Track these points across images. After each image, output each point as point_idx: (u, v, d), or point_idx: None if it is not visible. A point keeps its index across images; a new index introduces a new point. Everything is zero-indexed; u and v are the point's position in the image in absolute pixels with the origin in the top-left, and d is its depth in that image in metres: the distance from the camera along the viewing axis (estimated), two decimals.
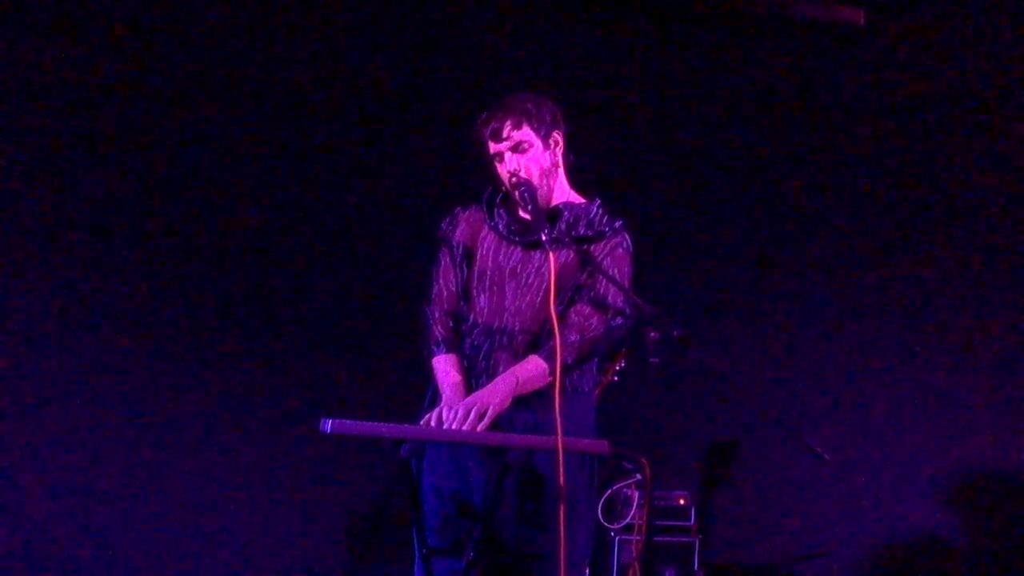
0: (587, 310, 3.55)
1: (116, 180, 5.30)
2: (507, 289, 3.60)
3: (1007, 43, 5.78)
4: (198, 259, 5.36)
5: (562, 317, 3.52)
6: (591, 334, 3.54)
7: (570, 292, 3.58)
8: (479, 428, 3.35)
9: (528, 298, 3.59)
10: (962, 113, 5.82)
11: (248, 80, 5.45)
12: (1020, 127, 5.76)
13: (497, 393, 3.43)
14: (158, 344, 5.29)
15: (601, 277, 3.55)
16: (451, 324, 3.65)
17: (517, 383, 3.46)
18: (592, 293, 3.57)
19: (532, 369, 3.48)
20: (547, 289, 3.52)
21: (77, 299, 5.21)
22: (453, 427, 3.34)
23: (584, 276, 3.59)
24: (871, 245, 5.81)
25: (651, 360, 3.46)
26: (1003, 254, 5.77)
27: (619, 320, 3.57)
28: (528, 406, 3.50)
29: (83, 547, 5.13)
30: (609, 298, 3.56)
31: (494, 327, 3.58)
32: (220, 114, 5.41)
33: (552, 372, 3.45)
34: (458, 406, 3.38)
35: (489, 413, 3.37)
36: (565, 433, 3.33)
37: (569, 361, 3.48)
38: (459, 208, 3.76)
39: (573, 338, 3.51)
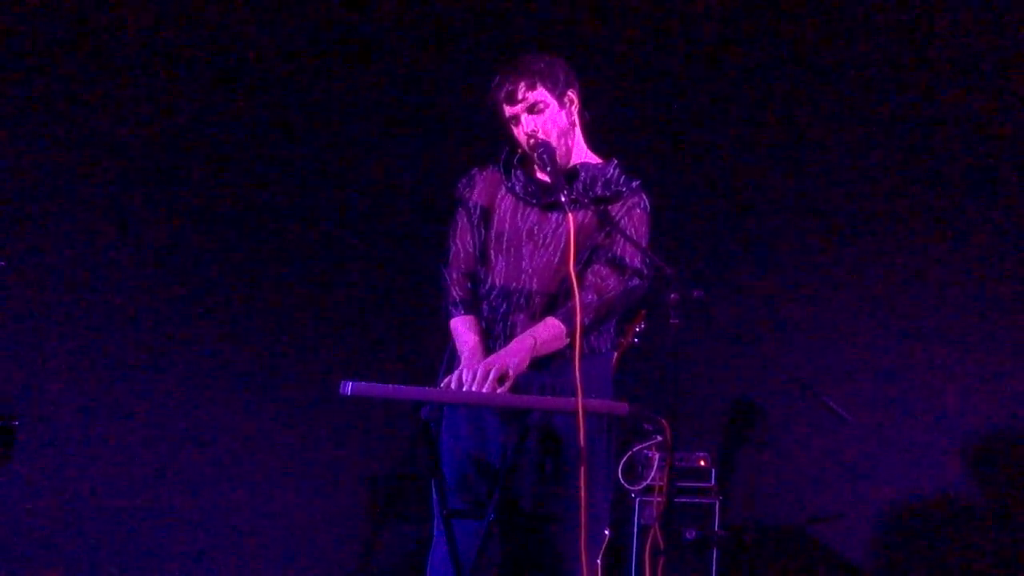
0: (604, 271, 3.53)
1: (126, 164, 5.30)
2: (524, 250, 3.58)
3: (1007, 20, 5.70)
4: (211, 228, 5.37)
5: (579, 278, 3.49)
6: (609, 294, 3.51)
7: (588, 253, 3.56)
8: (499, 391, 3.34)
9: (545, 259, 3.56)
10: (974, 92, 5.74)
11: (250, 63, 5.44)
12: None
13: (514, 354, 3.41)
14: (173, 313, 5.31)
15: (619, 237, 3.53)
16: (469, 285, 3.63)
17: (535, 345, 3.44)
18: (609, 254, 3.54)
19: (550, 330, 3.46)
20: (565, 250, 3.50)
21: (83, 278, 5.22)
22: (472, 389, 3.34)
23: (602, 236, 3.57)
24: (896, 206, 5.77)
25: (671, 321, 3.45)
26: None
27: (636, 280, 3.55)
28: (545, 368, 3.50)
29: (104, 522, 5.17)
30: (627, 258, 3.53)
31: (511, 289, 3.57)
32: (227, 95, 5.40)
33: (570, 333, 3.45)
34: (477, 367, 3.37)
35: (509, 375, 3.36)
36: (584, 395, 3.32)
37: (587, 322, 3.46)
38: (476, 169, 3.73)
39: (590, 298, 3.48)
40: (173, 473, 5.24)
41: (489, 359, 3.42)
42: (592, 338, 3.55)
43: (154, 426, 5.24)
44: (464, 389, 3.35)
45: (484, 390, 3.33)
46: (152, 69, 5.31)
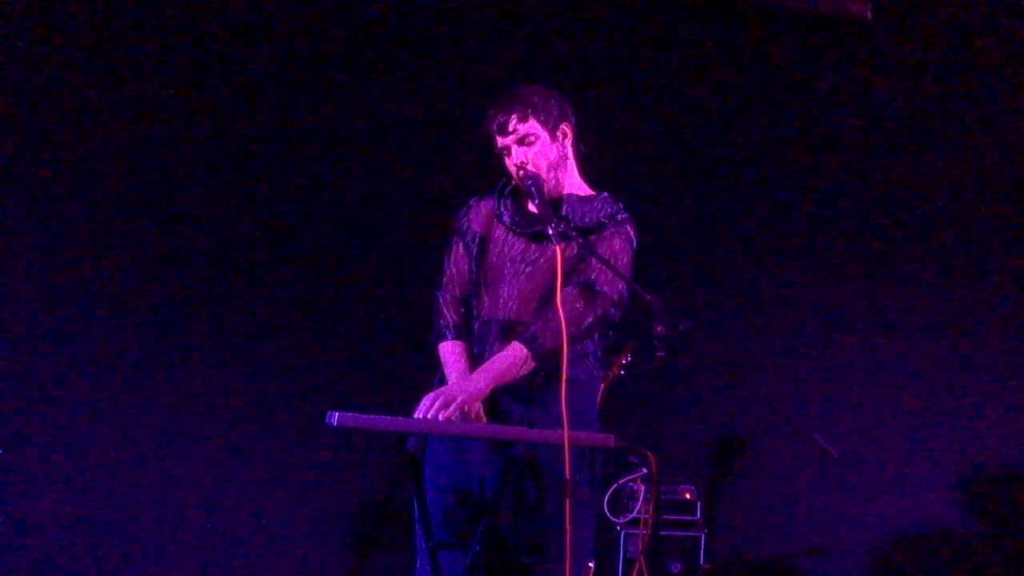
0: (574, 293, 3.50)
1: (125, 172, 5.30)
2: (509, 281, 3.59)
3: (1014, 38, 5.77)
4: (201, 254, 5.36)
5: (544, 301, 3.50)
6: (576, 318, 3.47)
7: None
8: (441, 417, 3.27)
9: (528, 289, 3.57)
10: (969, 108, 5.81)
11: (251, 72, 5.45)
12: None
13: (471, 382, 3.38)
14: (162, 338, 5.29)
15: (594, 262, 3.50)
16: (461, 310, 3.65)
17: (495, 373, 3.41)
18: (582, 278, 3.51)
19: (510, 356, 3.43)
20: (548, 282, 3.50)
21: (78, 296, 5.21)
22: (424, 416, 3.28)
23: (576, 261, 3.55)
24: (880, 241, 5.80)
25: (657, 354, 3.45)
26: (1011, 249, 5.76)
27: (608, 308, 3.52)
28: (523, 399, 3.50)
29: (88, 542, 5.14)
30: (598, 284, 3.51)
31: (494, 319, 3.57)
32: (223, 106, 5.41)
33: (536, 357, 3.41)
34: (427, 396, 3.33)
35: (455, 404, 3.30)
36: (558, 425, 3.31)
37: (549, 345, 3.42)
38: (475, 199, 3.75)
39: (556, 320, 3.42)
40: (155, 502, 5.21)
41: (442, 388, 3.38)
42: (567, 366, 3.49)
43: (135, 455, 5.21)
44: (418, 415, 3.30)
45: (428, 416, 3.27)
46: (144, 77, 5.33)
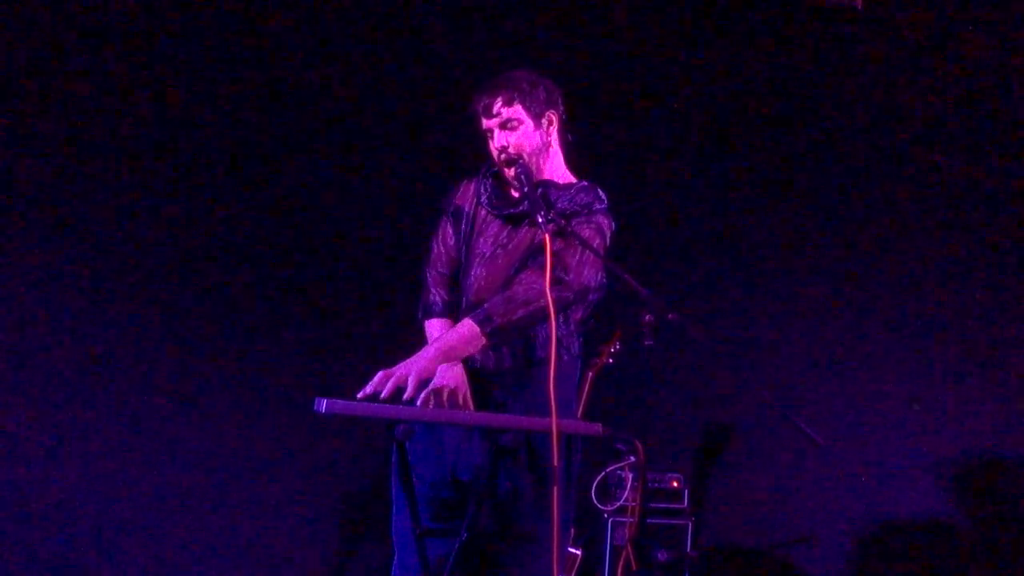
0: (532, 276, 3.46)
1: (119, 171, 5.30)
2: (486, 262, 3.61)
3: (1006, 28, 5.77)
4: (188, 245, 5.35)
5: (509, 283, 3.50)
6: (531, 297, 3.41)
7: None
8: (385, 393, 3.23)
9: (502, 271, 3.58)
10: (961, 98, 5.81)
11: (241, 71, 5.43)
12: (1021, 112, 5.76)
13: (418, 359, 3.33)
14: (150, 327, 5.29)
15: (561, 251, 3.47)
16: (447, 288, 3.67)
17: (443, 347, 3.37)
18: (541, 259, 3.44)
19: (461, 331, 3.40)
20: (517, 265, 3.53)
21: (70, 293, 5.20)
22: (367, 392, 3.25)
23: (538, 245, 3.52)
24: (864, 230, 5.81)
25: (645, 343, 3.46)
26: (999, 242, 5.77)
27: (569, 295, 3.48)
28: (499, 385, 3.53)
29: (77, 536, 5.15)
30: (563, 270, 3.47)
31: (472, 301, 3.58)
32: (214, 105, 5.40)
33: (486, 334, 3.37)
34: (379, 372, 3.28)
35: (398, 380, 3.25)
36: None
37: (498, 322, 3.39)
38: (464, 180, 3.76)
39: (517, 291, 3.42)
40: (143, 490, 5.21)
41: (394, 367, 3.32)
42: (524, 346, 3.51)
43: (124, 444, 5.21)
44: (365, 393, 3.26)
45: (383, 395, 3.24)
46: (142, 77, 5.31)
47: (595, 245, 3.53)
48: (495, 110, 3.58)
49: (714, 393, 5.65)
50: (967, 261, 5.75)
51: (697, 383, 5.61)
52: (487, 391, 3.53)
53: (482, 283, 3.58)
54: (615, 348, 5.10)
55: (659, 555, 5.14)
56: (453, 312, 3.63)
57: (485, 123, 3.62)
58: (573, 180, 3.71)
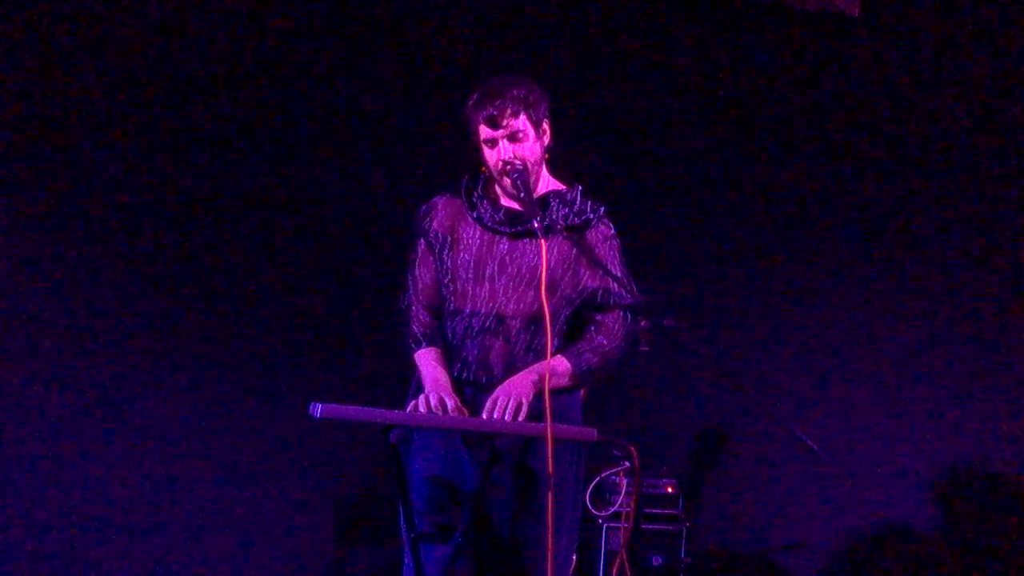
0: (612, 318, 3.58)
1: (112, 173, 5.29)
2: (499, 279, 3.56)
3: (1003, 34, 5.78)
4: (181, 248, 5.34)
5: (585, 319, 3.57)
6: (618, 339, 3.57)
7: (567, 276, 3.56)
8: (507, 417, 3.36)
9: (522, 287, 3.55)
10: (958, 104, 5.82)
11: (237, 74, 5.43)
12: (1018, 117, 5.76)
13: (525, 384, 3.44)
14: (144, 330, 5.28)
15: (609, 281, 3.57)
16: (430, 318, 3.63)
17: (541, 378, 3.44)
18: (610, 299, 3.57)
19: (557, 367, 3.49)
20: (537, 277, 3.50)
21: (66, 297, 5.20)
22: (495, 417, 3.38)
23: (587, 275, 3.58)
24: (861, 237, 5.82)
25: (641, 349, 3.47)
26: (996, 247, 5.77)
27: (629, 314, 3.60)
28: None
29: (74, 539, 5.14)
30: (616, 298, 3.58)
31: (485, 314, 3.55)
32: (206, 102, 5.39)
33: (575, 376, 3.50)
34: (498, 396, 3.40)
35: (524, 407, 3.38)
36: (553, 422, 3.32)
37: (594, 364, 3.51)
38: (437, 197, 3.70)
39: (600, 342, 3.55)
40: (136, 494, 5.21)
41: (498, 389, 3.43)
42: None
43: (118, 446, 5.20)
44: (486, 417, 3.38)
45: (508, 419, 3.36)
46: (141, 77, 5.31)
47: (618, 255, 3.63)
48: (503, 122, 3.52)
49: (709, 399, 5.64)
50: (962, 270, 5.76)
51: (692, 389, 5.61)
52: (481, 404, 3.50)
53: (508, 300, 3.56)
54: None
55: (653, 561, 5.15)
56: (438, 339, 3.61)
57: (488, 133, 3.55)
58: (564, 186, 3.69)
